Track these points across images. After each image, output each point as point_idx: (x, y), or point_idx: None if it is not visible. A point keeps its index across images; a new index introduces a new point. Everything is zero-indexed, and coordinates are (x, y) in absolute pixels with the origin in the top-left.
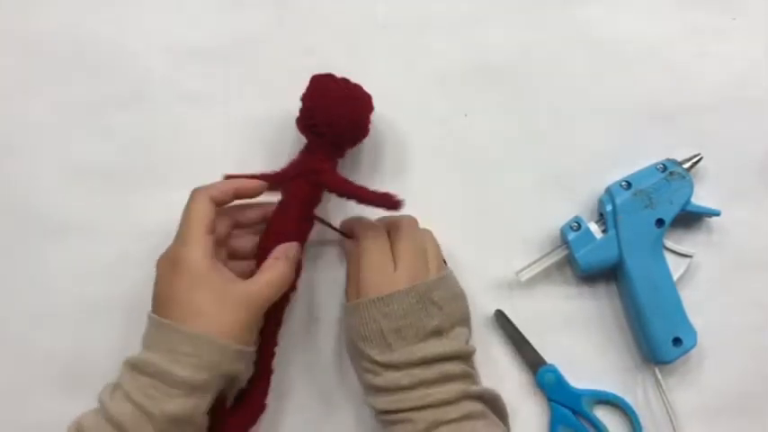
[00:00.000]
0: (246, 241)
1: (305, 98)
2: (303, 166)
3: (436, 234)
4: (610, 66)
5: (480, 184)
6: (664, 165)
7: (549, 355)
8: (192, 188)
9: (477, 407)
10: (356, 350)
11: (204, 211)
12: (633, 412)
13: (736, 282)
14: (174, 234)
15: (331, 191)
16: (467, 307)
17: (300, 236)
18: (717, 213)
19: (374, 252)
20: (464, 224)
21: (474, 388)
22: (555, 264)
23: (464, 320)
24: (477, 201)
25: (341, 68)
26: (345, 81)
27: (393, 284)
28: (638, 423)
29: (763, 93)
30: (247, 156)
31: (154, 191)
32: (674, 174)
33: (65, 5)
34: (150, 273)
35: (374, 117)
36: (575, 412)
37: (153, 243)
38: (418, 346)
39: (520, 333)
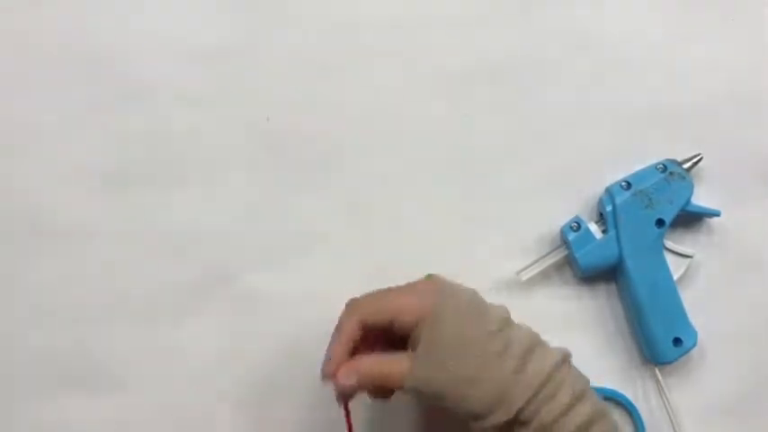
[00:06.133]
0: None
1: None
2: None
3: (436, 234)
4: (610, 66)
5: (480, 183)
6: (664, 165)
7: None
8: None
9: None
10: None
11: None
12: (633, 407)
13: (736, 282)
14: (173, 235)
15: None
16: None
17: None
18: (717, 214)
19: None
20: (464, 224)
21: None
22: (555, 264)
23: None
24: (478, 201)
25: (341, 68)
26: None
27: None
28: (639, 418)
29: (763, 93)
30: (248, 156)
31: (153, 191)
32: (674, 174)
33: (65, 5)
34: (149, 273)
35: (373, 115)
36: None
37: (152, 244)
38: None
39: None
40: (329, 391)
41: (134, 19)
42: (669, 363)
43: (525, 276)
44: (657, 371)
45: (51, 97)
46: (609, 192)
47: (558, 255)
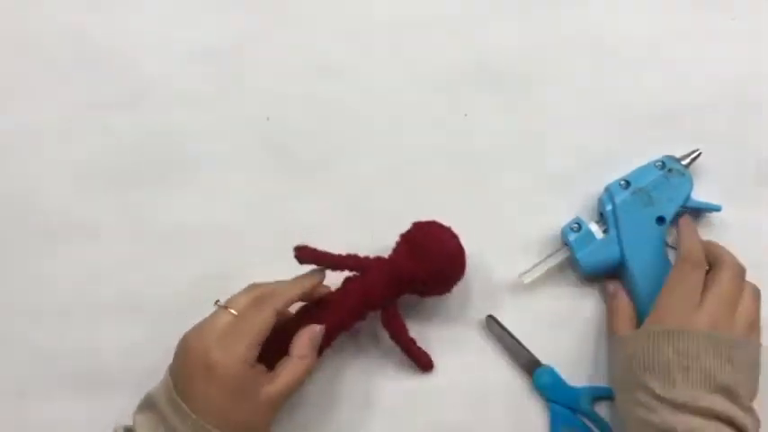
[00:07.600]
0: None
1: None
2: (389, 272)
3: None
4: (610, 66)
5: (480, 184)
6: (662, 162)
7: (551, 356)
8: (253, 285)
9: None
10: (633, 381)
11: (265, 324)
12: None
13: None
14: (173, 234)
15: (386, 317)
16: (758, 382)
17: (347, 323)
18: (718, 209)
19: (686, 282)
20: (464, 225)
21: None
22: (557, 265)
23: (754, 395)
24: (477, 201)
25: (341, 68)
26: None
27: (691, 322)
28: None
29: (763, 93)
30: (248, 156)
31: (154, 191)
32: (673, 170)
33: (65, 5)
34: (150, 273)
35: (373, 115)
36: (575, 411)
37: (152, 243)
38: (705, 395)
39: (513, 337)
40: (330, 390)
41: (134, 19)
42: None
43: (528, 279)
44: None
45: (51, 97)
46: (608, 191)
47: (560, 256)
